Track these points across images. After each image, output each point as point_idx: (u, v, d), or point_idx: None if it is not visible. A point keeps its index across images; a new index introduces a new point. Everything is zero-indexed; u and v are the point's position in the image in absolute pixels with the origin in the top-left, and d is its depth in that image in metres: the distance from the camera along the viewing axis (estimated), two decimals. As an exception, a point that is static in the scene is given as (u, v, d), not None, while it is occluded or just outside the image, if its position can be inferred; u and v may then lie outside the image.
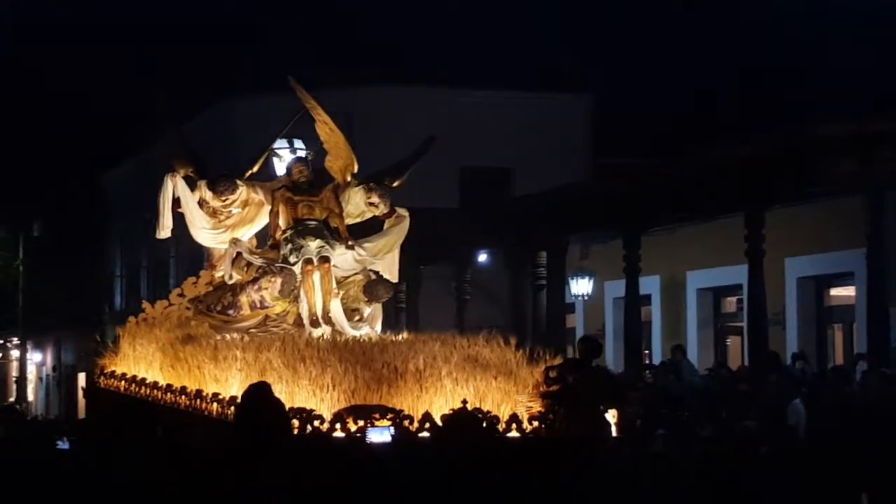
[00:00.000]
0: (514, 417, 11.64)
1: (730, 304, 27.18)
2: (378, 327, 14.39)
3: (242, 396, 7.83)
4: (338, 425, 11.33)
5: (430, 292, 29.75)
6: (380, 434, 11.37)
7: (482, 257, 30.01)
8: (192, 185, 14.73)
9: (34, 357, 51.77)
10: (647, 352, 27.85)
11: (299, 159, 14.89)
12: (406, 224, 14.67)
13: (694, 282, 27.20)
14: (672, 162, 24.19)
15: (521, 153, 33.19)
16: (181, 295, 15.33)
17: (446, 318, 26.32)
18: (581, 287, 28.90)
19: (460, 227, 29.24)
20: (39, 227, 46.32)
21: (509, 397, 12.09)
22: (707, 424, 19.76)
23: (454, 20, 36.24)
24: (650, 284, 27.23)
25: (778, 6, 29.07)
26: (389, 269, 14.76)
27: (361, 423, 11.24)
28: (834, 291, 24.65)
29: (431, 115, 29.82)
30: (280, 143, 16.61)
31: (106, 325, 35.31)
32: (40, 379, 53.29)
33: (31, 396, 52.00)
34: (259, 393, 7.76)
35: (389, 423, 11.24)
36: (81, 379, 40.92)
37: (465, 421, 9.76)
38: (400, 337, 13.68)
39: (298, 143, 16.29)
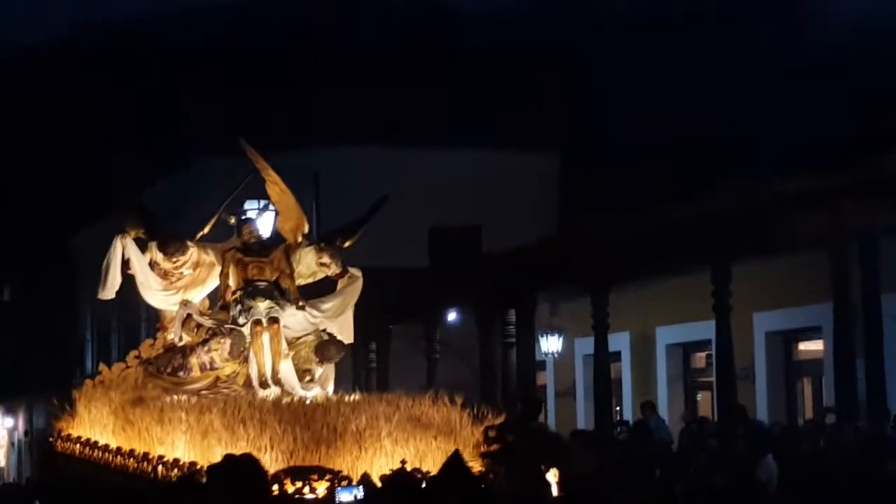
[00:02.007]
0: (452, 477, 11.55)
1: (699, 359, 27.19)
2: (330, 388, 14.30)
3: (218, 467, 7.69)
4: (275, 486, 11.24)
5: (400, 352, 29.65)
6: (349, 493, 11.33)
7: (452, 316, 29.95)
8: (144, 247, 14.67)
9: (6, 422, 51.45)
10: (618, 408, 27.79)
11: (249, 220, 14.86)
12: (359, 284, 14.61)
13: (663, 337, 27.18)
14: (639, 218, 24.20)
15: (489, 212, 33.23)
16: (138, 357, 15.23)
17: (416, 378, 26.17)
18: (551, 345, 28.86)
19: (430, 287, 29.24)
20: (8, 292, 46.18)
21: (449, 457, 11.99)
22: (677, 482, 19.68)
23: (422, 80, 36.37)
24: (620, 341, 27.23)
25: (738, 62, 29.28)
26: (344, 329, 14.69)
27: (299, 484, 11.16)
28: (802, 346, 24.67)
29: (399, 175, 29.88)
30: (231, 205, 16.55)
31: (76, 389, 35.01)
32: (12, 444, 52.92)
33: (2, 461, 51.67)
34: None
35: (327, 483, 11.16)
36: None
37: (403, 481, 9.66)
38: (350, 397, 13.59)
39: (250, 204, 16.28)
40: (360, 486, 11.39)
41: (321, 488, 11.43)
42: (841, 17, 27.22)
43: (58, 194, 43.01)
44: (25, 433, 51.25)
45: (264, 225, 17.77)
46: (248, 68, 38.69)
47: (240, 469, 7.47)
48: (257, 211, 14.78)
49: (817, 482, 18.11)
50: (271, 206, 17.35)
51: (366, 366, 29.64)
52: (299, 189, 14.96)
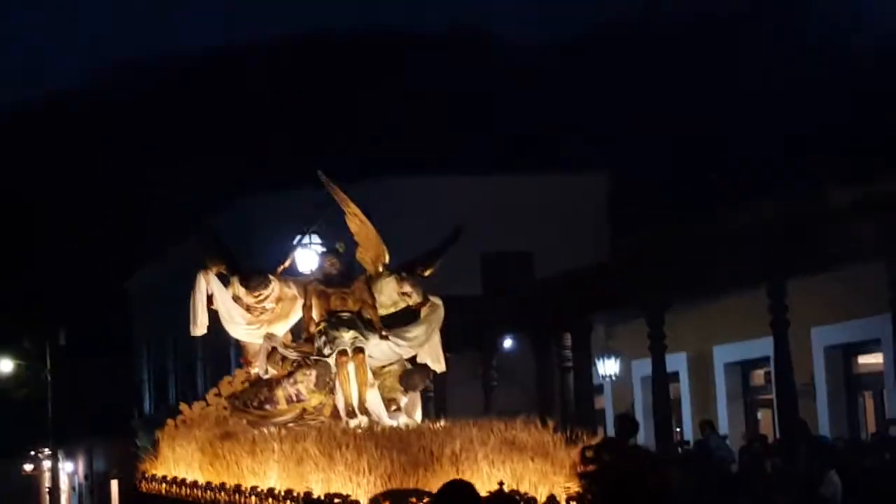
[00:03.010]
0: (551, 498, 11.63)
1: (758, 376, 27.13)
2: (417, 416, 14.43)
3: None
4: None
5: (457, 380, 29.69)
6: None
7: (508, 342, 30.04)
8: (225, 282, 14.85)
9: (66, 466, 51.69)
10: (678, 430, 27.77)
11: (330, 252, 15.02)
12: (441, 312, 14.78)
13: (721, 356, 27.17)
14: (690, 236, 24.24)
15: (541, 236, 33.33)
16: (217, 394, 15.38)
17: (474, 405, 26.28)
18: (608, 367, 28.91)
19: (484, 314, 29.30)
20: (65, 335, 46.42)
21: (547, 478, 12.07)
22: (741, 501, 19.70)
23: (466, 106, 36.59)
24: (677, 361, 27.22)
25: (790, 70, 29.32)
26: (434, 356, 14.86)
27: None
28: (862, 359, 24.61)
29: (448, 203, 30.01)
30: (308, 238, 16.75)
31: (137, 431, 35.32)
32: (73, 488, 53.20)
33: (65, 506, 51.95)
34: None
35: None
36: (114, 486, 40.86)
37: (502, 503, 9.75)
38: (437, 424, 13.71)
39: (326, 237, 16.46)
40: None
41: None
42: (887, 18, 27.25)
43: (109, 238, 43.37)
44: (86, 477, 51.54)
45: (307, 260, 17.94)
46: (296, 102, 39.00)
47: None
48: (337, 246, 14.89)
49: (884, 496, 18.11)
50: (318, 244, 17.54)
51: (424, 395, 29.68)
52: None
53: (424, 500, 11.28)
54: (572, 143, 34.42)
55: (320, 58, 40.72)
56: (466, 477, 11.69)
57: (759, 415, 27.35)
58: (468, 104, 36.45)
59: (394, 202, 32.09)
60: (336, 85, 39.15)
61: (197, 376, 37.12)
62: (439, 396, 29.80)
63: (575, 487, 11.59)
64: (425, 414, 24.47)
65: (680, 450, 25.01)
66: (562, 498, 11.59)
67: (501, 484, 11.33)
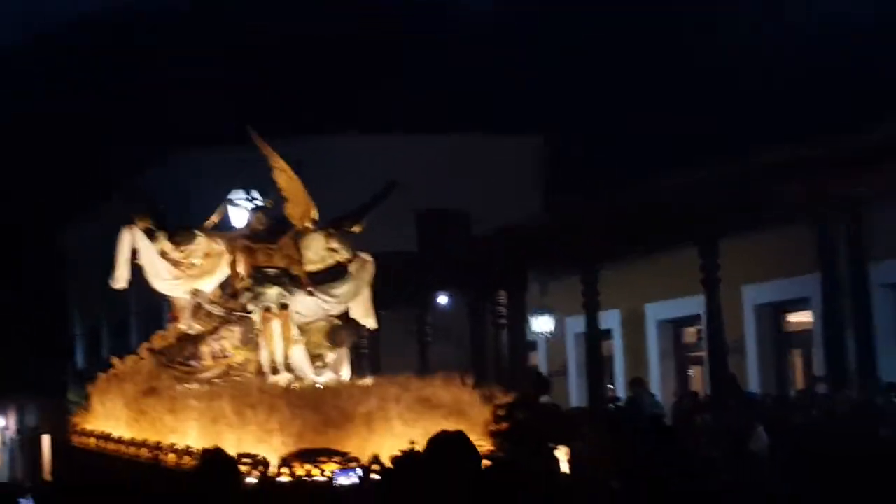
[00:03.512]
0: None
1: (690, 334, 27.40)
2: (345, 372, 14.44)
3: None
4: (284, 469, 11.40)
5: (391, 337, 29.75)
6: (346, 476, 11.45)
7: (442, 299, 30.12)
8: (152, 237, 14.78)
9: (-2, 422, 51.44)
10: (610, 386, 27.99)
11: (258, 208, 14.99)
12: (371, 268, 14.78)
13: (654, 314, 27.39)
14: (625, 195, 24.37)
15: (477, 194, 33.39)
16: (150, 349, 15.33)
17: (409, 363, 26.34)
18: (542, 324, 29.04)
19: (419, 270, 29.35)
20: (-5, 289, 46.06)
21: (459, 437, 12.11)
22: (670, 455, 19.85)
23: (405, 65, 36.48)
24: (611, 319, 27.41)
25: (718, 38, 29.45)
26: (364, 312, 14.86)
27: (308, 466, 11.31)
28: (791, 317, 24.89)
29: (385, 160, 29.96)
30: (237, 194, 16.72)
31: (69, 386, 35.18)
32: (3, 443, 52.91)
33: (-4, 461, 51.65)
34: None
35: (337, 464, 11.32)
36: (45, 441, 40.69)
37: (412, 462, 9.80)
38: (361, 381, 13.75)
39: (255, 193, 16.41)
40: (358, 469, 11.51)
41: (330, 470, 11.57)
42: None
43: (41, 191, 42.96)
44: (18, 431, 51.25)
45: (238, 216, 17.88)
46: (229, 59, 38.72)
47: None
48: (263, 200, 14.87)
49: (810, 451, 18.35)
50: (257, 199, 17.50)
51: (357, 351, 29.70)
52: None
53: (335, 459, 11.33)
54: (511, 102, 34.44)
55: (261, 13, 40.47)
56: (378, 436, 11.75)
57: (691, 372, 27.64)
58: (411, 63, 36.34)
59: (330, 160, 31.99)
60: (274, 41, 38.91)
61: (130, 331, 37.00)
62: (373, 353, 29.84)
63: (487, 446, 11.66)
64: (360, 371, 24.56)
65: (612, 406, 25.21)
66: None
67: (413, 443, 11.39)
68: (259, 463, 11.42)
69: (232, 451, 11.66)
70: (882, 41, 25.84)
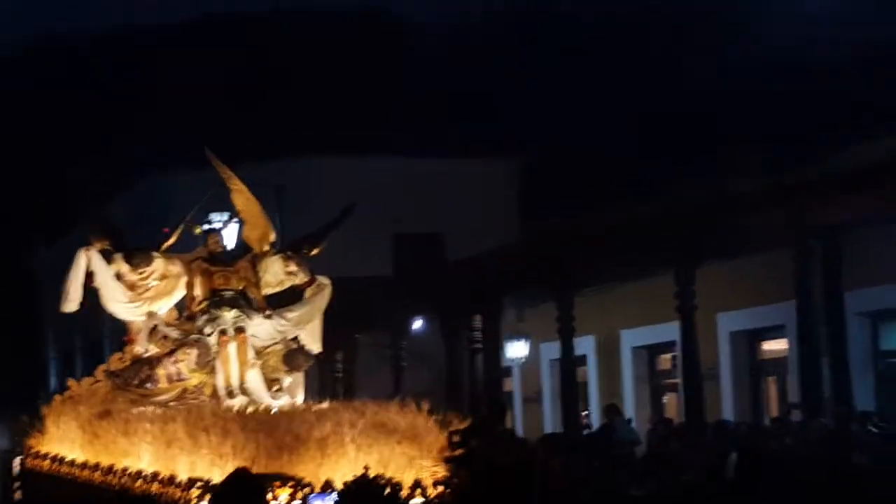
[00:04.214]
0: (417, 483, 11.51)
1: (665, 361, 27.32)
2: (300, 397, 14.27)
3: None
4: None
5: (366, 361, 29.67)
6: (321, 500, 11.29)
7: (418, 324, 29.99)
8: (109, 260, 14.61)
9: (-26, 444, 51.07)
10: (585, 412, 27.86)
11: (214, 230, 14.84)
12: (328, 292, 14.58)
13: (629, 340, 27.31)
14: (601, 221, 24.30)
15: (453, 219, 33.32)
16: (107, 371, 15.15)
17: (384, 386, 26.21)
18: (516, 350, 28.92)
19: (395, 294, 29.27)
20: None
21: (414, 463, 11.97)
22: (648, 480, 19.74)
23: (381, 89, 36.40)
24: (586, 345, 27.34)
25: (695, 63, 29.44)
26: (312, 337, 14.66)
27: None
28: (766, 345, 24.82)
29: (362, 184, 29.88)
30: (197, 216, 16.54)
31: (40, 409, 34.87)
32: (-24, 466, 52.58)
33: (-34, 482, 51.26)
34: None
35: (290, 489, 11.12)
36: (16, 462, 40.37)
37: (365, 488, 9.64)
38: (316, 405, 13.57)
39: (215, 216, 16.27)
40: (333, 493, 11.35)
41: (283, 495, 11.36)
42: (796, 16, 27.42)
43: (15, 214, 42.77)
44: (-9, 454, 50.93)
45: (229, 236, 17.82)
46: (205, 82, 38.58)
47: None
48: (222, 222, 14.73)
49: (785, 479, 18.22)
50: (235, 218, 17.36)
51: (332, 375, 29.62)
52: (262, 201, 14.95)
53: (289, 485, 11.14)
54: (485, 127, 34.36)
55: (224, 39, 40.37)
56: (332, 461, 11.58)
57: (665, 398, 27.53)
58: (379, 85, 36.24)
59: (307, 183, 31.99)
60: (244, 66, 38.84)
61: (104, 354, 36.76)
62: (347, 377, 29.76)
63: (442, 472, 11.49)
64: (334, 394, 24.41)
65: (585, 432, 25.08)
66: (428, 483, 11.48)
67: (366, 468, 11.22)
68: (211, 488, 11.21)
69: (184, 475, 11.49)
70: (858, 68, 25.84)
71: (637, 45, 32.11)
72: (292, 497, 11.22)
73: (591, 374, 28.25)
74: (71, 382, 15.49)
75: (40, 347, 46.53)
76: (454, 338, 28.18)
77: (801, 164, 20.50)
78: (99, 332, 36.01)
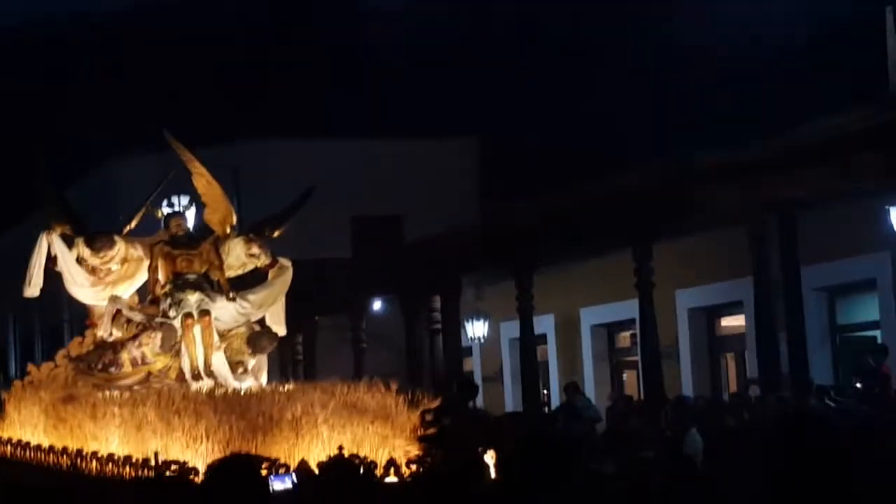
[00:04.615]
0: (391, 462, 11.59)
1: (624, 338, 27.44)
2: (263, 379, 14.32)
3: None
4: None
5: (326, 343, 29.66)
6: (282, 482, 11.34)
7: (377, 305, 30.01)
8: (70, 244, 14.58)
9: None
10: (545, 391, 27.97)
11: (177, 213, 14.85)
12: (289, 274, 14.63)
13: (588, 318, 27.40)
14: (559, 200, 24.36)
15: (411, 199, 33.31)
16: (67, 356, 15.12)
17: (344, 368, 26.17)
18: (477, 329, 28.98)
19: (354, 276, 29.27)
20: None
21: (387, 442, 12.06)
22: (608, 457, 19.85)
23: (337, 70, 36.35)
24: (545, 323, 27.40)
25: (650, 38, 29.51)
26: (276, 319, 14.71)
27: None
28: (724, 321, 24.95)
29: (318, 166, 29.88)
30: (156, 200, 16.54)
31: (1, 393, 34.73)
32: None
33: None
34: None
35: (269, 471, 11.16)
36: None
37: (341, 467, 9.71)
38: (283, 387, 13.62)
39: (176, 199, 16.27)
40: (294, 474, 11.40)
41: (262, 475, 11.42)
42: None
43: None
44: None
45: (187, 220, 17.78)
46: (163, 65, 38.44)
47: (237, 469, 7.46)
48: (183, 206, 14.74)
49: (742, 454, 18.37)
50: (193, 202, 17.36)
51: (293, 358, 29.61)
52: (220, 183, 14.96)
53: (263, 466, 11.18)
54: (443, 107, 34.34)
55: (179, 22, 40.22)
56: (306, 441, 11.66)
57: (625, 376, 27.67)
58: (337, 67, 36.19)
59: (263, 165, 31.92)
60: (204, 47, 38.68)
61: (64, 339, 36.59)
62: (308, 359, 29.76)
63: (415, 451, 11.58)
64: (295, 377, 24.44)
65: (546, 410, 25.21)
66: (402, 461, 11.56)
67: (341, 448, 11.28)
68: (187, 470, 11.23)
69: (157, 458, 11.51)
70: (813, 44, 25.98)
71: (594, 25, 32.16)
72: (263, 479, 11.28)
73: (550, 352, 28.33)
74: (31, 367, 15.45)
75: (-1, 332, 46.38)
76: (414, 318, 28.22)
77: (756, 141, 20.58)
78: (59, 316, 35.90)
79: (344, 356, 28.51)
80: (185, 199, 15.50)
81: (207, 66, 37.86)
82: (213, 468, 7.30)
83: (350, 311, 29.43)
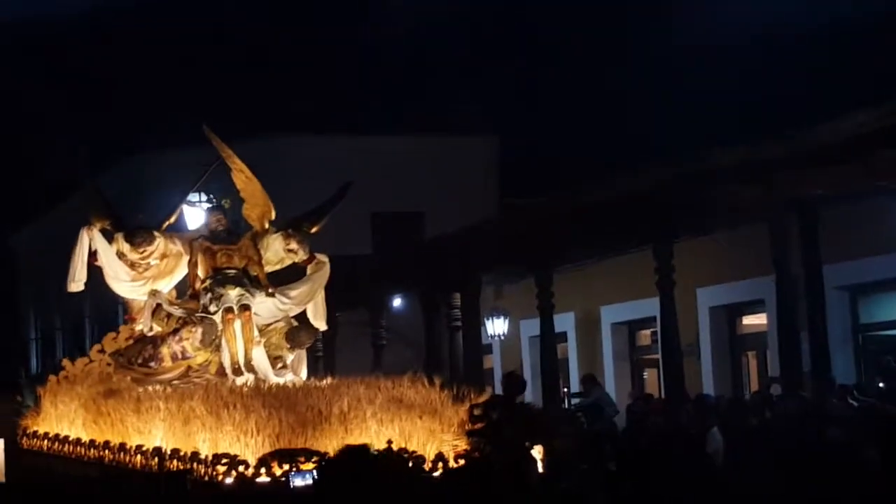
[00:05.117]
0: (440, 456, 11.69)
1: (644, 336, 27.45)
2: (303, 373, 14.44)
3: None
4: (263, 470, 11.33)
5: (346, 339, 29.72)
6: (302, 478, 11.42)
7: (397, 302, 30.08)
8: (109, 239, 14.72)
9: (-46, 425, 50.88)
10: (565, 389, 28.01)
11: (216, 208, 14.97)
12: (327, 269, 14.79)
13: (608, 316, 27.43)
14: (578, 198, 24.39)
15: (431, 196, 33.40)
16: (101, 351, 15.26)
17: (363, 364, 26.30)
18: (496, 327, 29.04)
19: (374, 273, 29.30)
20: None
21: (435, 436, 12.15)
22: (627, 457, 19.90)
23: (360, 68, 36.43)
24: (565, 321, 27.42)
25: (668, 36, 29.55)
26: (317, 314, 14.85)
27: (287, 466, 11.24)
28: (746, 320, 24.95)
29: (340, 162, 29.93)
30: (195, 195, 16.70)
31: (23, 389, 34.89)
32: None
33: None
34: None
35: (314, 466, 11.25)
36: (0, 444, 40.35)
37: (391, 461, 9.81)
38: (324, 382, 13.72)
39: (213, 194, 16.37)
40: (314, 470, 11.47)
41: (282, 472, 11.50)
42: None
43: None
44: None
45: (194, 217, 17.81)
46: (184, 60, 38.51)
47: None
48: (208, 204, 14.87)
49: (764, 453, 18.43)
50: (205, 201, 17.45)
51: (313, 354, 29.65)
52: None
53: (313, 460, 11.29)
54: (465, 104, 34.38)
55: (209, 18, 40.29)
56: (355, 436, 11.76)
57: (645, 374, 27.70)
58: (360, 65, 36.26)
59: (285, 161, 32.01)
60: (225, 45, 38.76)
61: (85, 335, 36.75)
62: (328, 355, 29.80)
63: (463, 445, 11.67)
64: (315, 373, 24.54)
65: (570, 405, 25.22)
66: (450, 456, 11.66)
67: (390, 442, 11.38)
68: (238, 463, 11.34)
69: (206, 452, 11.61)
70: (834, 41, 26.02)
71: (613, 22, 32.22)
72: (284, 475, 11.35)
73: (570, 350, 28.38)
74: (66, 363, 15.58)
75: (20, 328, 46.40)
76: (434, 315, 28.27)
77: (777, 139, 20.60)
78: (80, 312, 36.05)
79: (363, 352, 28.62)
80: (219, 194, 15.60)
81: (225, 61, 37.92)
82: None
83: (370, 308, 29.50)
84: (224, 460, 11.19)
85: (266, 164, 30.45)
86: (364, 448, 10.77)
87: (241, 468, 11.26)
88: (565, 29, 33.63)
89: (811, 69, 26.10)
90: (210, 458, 11.29)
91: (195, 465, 11.37)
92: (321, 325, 14.86)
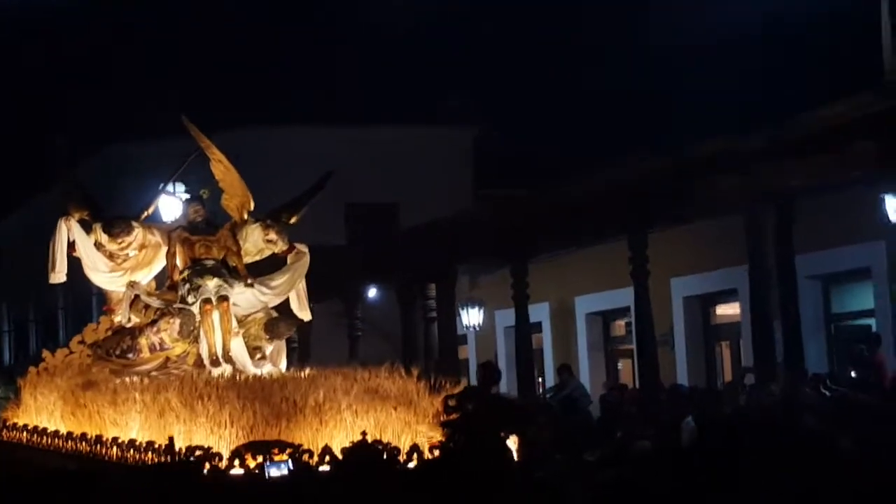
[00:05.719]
0: (414, 447, 11.69)
1: (619, 327, 27.56)
2: (282, 364, 14.45)
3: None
4: (236, 462, 11.34)
5: (321, 330, 29.67)
6: (278, 469, 11.42)
7: (372, 292, 30.11)
8: (88, 229, 14.68)
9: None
10: (540, 379, 28.11)
11: (195, 199, 14.95)
12: (307, 259, 14.81)
13: (583, 307, 27.52)
14: (554, 189, 24.47)
15: (406, 187, 33.40)
16: (82, 342, 15.21)
17: (339, 356, 26.28)
18: (472, 317, 29.13)
19: (349, 264, 29.30)
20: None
21: (410, 427, 12.16)
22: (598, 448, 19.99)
23: (334, 57, 36.43)
24: (540, 311, 27.51)
25: (647, 28, 29.65)
26: (301, 305, 14.88)
27: (260, 458, 11.23)
28: (719, 309, 25.08)
29: (314, 153, 29.88)
30: (173, 185, 16.66)
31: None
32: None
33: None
34: None
35: (287, 457, 11.26)
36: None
37: (364, 453, 9.82)
38: (302, 373, 13.73)
39: (192, 185, 16.32)
40: (290, 461, 11.48)
41: (256, 463, 11.51)
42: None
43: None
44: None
45: (171, 208, 17.76)
46: (163, 51, 38.46)
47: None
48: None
49: (737, 442, 18.53)
50: (183, 193, 17.43)
51: (288, 345, 29.61)
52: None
53: (287, 451, 11.30)
54: (441, 95, 34.46)
55: (189, 8, 40.24)
56: (329, 427, 11.75)
57: (620, 364, 27.81)
58: (334, 55, 36.26)
59: (261, 152, 31.92)
60: (205, 36, 38.69)
61: (59, 326, 36.67)
62: (303, 346, 29.76)
63: (438, 436, 11.68)
64: (290, 364, 24.49)
65: (545, 396, 25.32)
66: (425, 447, 11.67)
67: (364, 434, 11.39)
68: (212, 456, 11.34)
69: (181, 444, 11.60)
70: (810, 34, 26.14)
71: (592, 16, 32.29)
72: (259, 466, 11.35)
73: (545, 340, 28.47)
74: (46, 354, 15.54)
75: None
76: (409, 306, 28.31)
77: (752, 130, 20.69)
78: (54, 304, 35.96)
79: (339, 343, 28.61)
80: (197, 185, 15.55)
81: (202, 53, 37.87)
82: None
83: (345, 299, 29.52)
84: (198, 452, 11.19)
85: (245, 155, 30.66)
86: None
87: (214, 460, 11.25)
88: (543, 22, 33.72)
89: (785, 61, 26.23)
90: (183, 450, 11.26)
91: (168, 457, 11.34)
92: (306, 316, 14.91)
